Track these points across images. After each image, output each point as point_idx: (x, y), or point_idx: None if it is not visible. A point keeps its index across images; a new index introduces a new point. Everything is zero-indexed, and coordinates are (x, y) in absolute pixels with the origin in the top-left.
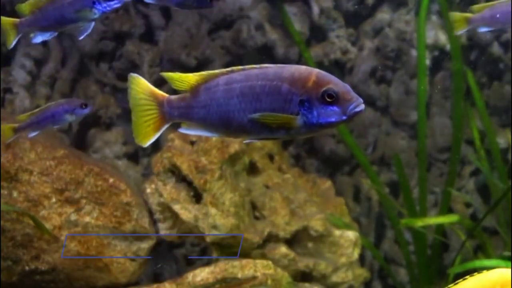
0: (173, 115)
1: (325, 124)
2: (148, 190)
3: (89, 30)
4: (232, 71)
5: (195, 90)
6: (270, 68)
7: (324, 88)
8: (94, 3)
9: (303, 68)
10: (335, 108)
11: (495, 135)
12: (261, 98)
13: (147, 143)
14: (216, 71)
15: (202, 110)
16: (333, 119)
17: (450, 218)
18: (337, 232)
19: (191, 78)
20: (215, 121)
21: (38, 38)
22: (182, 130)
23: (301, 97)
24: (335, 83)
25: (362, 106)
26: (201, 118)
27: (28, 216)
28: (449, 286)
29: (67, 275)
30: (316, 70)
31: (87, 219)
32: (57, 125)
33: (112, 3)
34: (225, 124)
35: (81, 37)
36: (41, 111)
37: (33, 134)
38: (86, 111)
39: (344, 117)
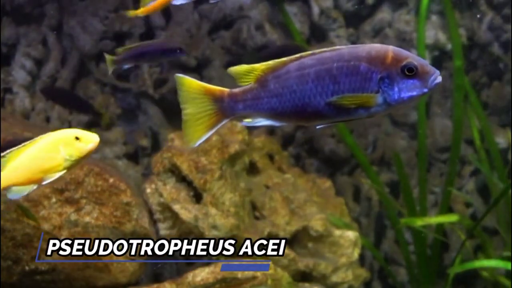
0: (237, 109)
1: (407, 98)
2: (148, 190)
3: None
4: (301, 57)
5: (263, 80)
6: (343, 49)
7: (403, 63)
8: None
9: (377, 45)
10: (416, 82)
11: (494, 136)
12: (338, 80)
13: (196, 144)
14: (284, 59)
15: (274, 99)
16: (414, 93)
17: (450, 218)
18: (337, 232)
19: (257, 68)
20: (287, 109)
21: (178, 0)
22: (246, 124)
23: (381, 74)
24: (413, 57)
25: (440, 78)
26: (271, 107)
27: (17, 207)
28: None
29: (67, 275)
30: (391, 47)
31: (87, 219)
32: (151, 62)
33: None
34: (299, 111)
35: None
36: (138, 46)
37: (127, 67)
38: (182, 55)
39: (425, 90)
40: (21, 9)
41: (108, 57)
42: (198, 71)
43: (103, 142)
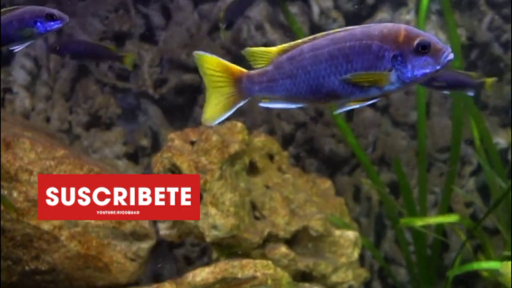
0: (254, 91)
1: (420, 76)
2: None
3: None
4: (315, 38)
5: (278, 62)
6: (356, 29)
7: (417, 41)
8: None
9: (389, 24)
10: (429, 59)
11: (493, 137)
12: (351, 58)
13: (214, 122)
14: (298, 40)
15: (288, 80)
16: (427, 70)
17: (450, 218)
18: (337, 232)
19: (272, 51)
20: (303, 90)
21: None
22: (264, 104)
23: (394, 52)
24: (425, 35)
25: (452, 55)
26: (287, 89)
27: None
28: None
29: (67, 275)
30: (403, 25)
31: None
32: None
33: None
34: (314, 91)
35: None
36: None
37: None
38: None
39: (438, 67)
40: None
41: None
42: (198, 71)
43: (103, 142)
